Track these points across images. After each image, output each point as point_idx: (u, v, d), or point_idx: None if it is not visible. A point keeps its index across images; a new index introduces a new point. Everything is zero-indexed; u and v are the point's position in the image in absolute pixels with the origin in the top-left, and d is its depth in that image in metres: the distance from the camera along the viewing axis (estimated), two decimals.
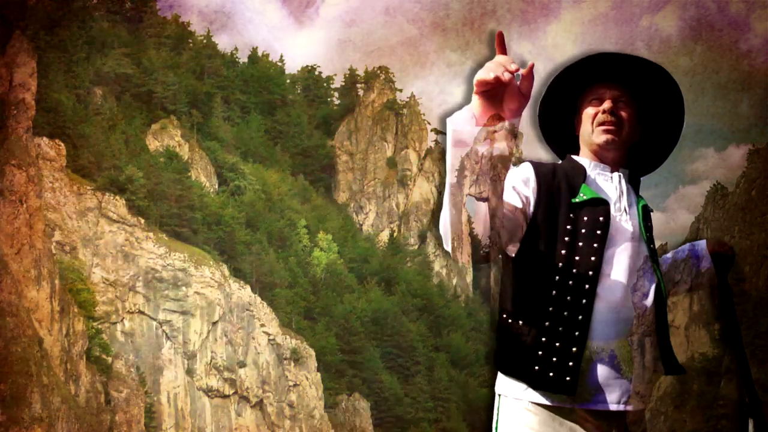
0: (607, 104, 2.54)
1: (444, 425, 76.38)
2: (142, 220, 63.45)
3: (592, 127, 2.56)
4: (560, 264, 2.40)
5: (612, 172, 2.57)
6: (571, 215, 2.45)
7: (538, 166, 2.50)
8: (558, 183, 2.49)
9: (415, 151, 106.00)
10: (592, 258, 2.40)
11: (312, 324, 75.35)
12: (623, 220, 2.50)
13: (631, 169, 2.66)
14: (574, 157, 2.62)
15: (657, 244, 2.59)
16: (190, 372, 63.33)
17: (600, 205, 2.47)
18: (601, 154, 2.57)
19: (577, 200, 2.47)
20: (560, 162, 2.63)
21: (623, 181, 2.56)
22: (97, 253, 60.91)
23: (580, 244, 2.42)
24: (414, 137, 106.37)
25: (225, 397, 65.09)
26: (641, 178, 2.73)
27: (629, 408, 2.39)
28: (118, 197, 62.09)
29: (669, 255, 2.84)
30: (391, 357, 79.77)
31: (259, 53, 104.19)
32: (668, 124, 2.68)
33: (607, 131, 2.53)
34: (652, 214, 2.63)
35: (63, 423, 44.64)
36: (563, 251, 2.41)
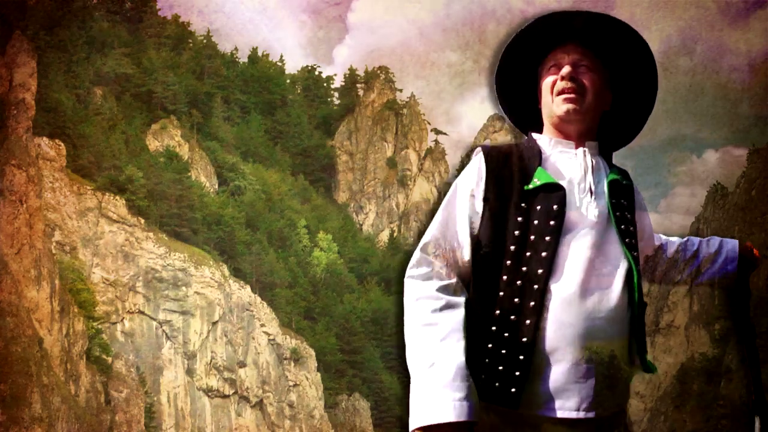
0: (565, 70, 2.26)
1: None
2: (142, 220, 63.47)
3: (552, 96, 2.28)
4: (508, 262, 2.15)
5: (576, 147, 2.29)
6: (523, 205, 2.18)
7: (490, 154, 2.25)
8: (510, 169, 2.23)
9: (415, 151, 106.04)
10: (544, 254, 2.13)
11: (312, 324, 75.38)
12: (586, 202, 2.21)
13: (604, 141, 2.36)
14: (535, 135, 2.34)
15: (613, 245, 2.25)
16: (190, 372, 63.35)
17: (555, 190, 2.19)
18: (563, 127, 2.29)
19: (530, 187, 2.19)
20: (522, 141, 2.36)
21: (589, 157, 2.27)
22: (97, 253, 60.93)
23: (532, 237, 2.15)
24: (414, 137, 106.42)
25: (225, 397, 65.11)
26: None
27: (590, 415, 2.12)
28: (118, 197, 62.11)
29: (695, 242, 2.55)
30: (391, 357, 79.76)
31: (259, 53, 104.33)
32: (641, 89, 2.39)
33: (567, 100, 2.25)
34: (625, 184, 2.33)
35: (63, 423, 44.65)
36: (512, 247, 2.15)
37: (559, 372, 2.12)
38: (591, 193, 2.23)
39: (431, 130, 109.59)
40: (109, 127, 67.32)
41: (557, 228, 2.15)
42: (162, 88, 77.14)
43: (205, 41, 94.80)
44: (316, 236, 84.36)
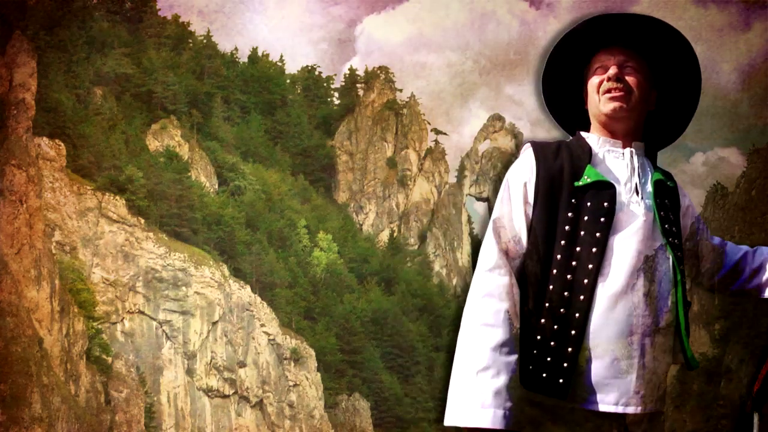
0: (612, 70, 2.34)
1: (444, 425, 76.37)
2: (142, 220, 63.46)
3: (599, 96, 2.36)
4: (558, 256, 2.22)
5: (624, 147, 2.36)
6: (573, 201, 2.25)
7: (539, 150, 2.33)
8: (560, 165, 2.30)
9: (415, 151, 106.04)
10: (594, 249, 2.21)
11: (312, 324, 75.37)
12: (633, 202, 2.29)
13: (649, 141, 2.44)
14: (583, 133, 2.41)
15: (658, 244, 2.29)
16: (190, 372, 63.34)
17: (605, 188, 2.27)
18: (610, 126, 2.36)
19: (580, 184, 2.27)
20: (568, 139, 2.43)
21: (636, 157, 2.35)
22: (97, 253, 60.92)
23: (582, 233, 2.23)
24: (414, 137, 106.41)
25: (225, 397, 65.10)
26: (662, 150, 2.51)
27: (628, 410, 2.21)
28: (118, 197, 62.10)
29: (764, 252, 2.55)
30: (391, 357, 79.76)
31: (259, 53, 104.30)
32: (684, 88, 2.46)
33: (614, 99, 2.33)
34: (669, 185, 2.40)
35: (63, 423, 44.65)
36: (563, 242, 2.23)
37: (601, 366, 2.19)
38: (637, 192, 2.31)
39: (431, 130, 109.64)
40: (109, 127, 67.30)
41: (607, 225, 2.23)
42: (162, 88, 77.12)
43: (205, 41, 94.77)
44: (316, 236, 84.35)
